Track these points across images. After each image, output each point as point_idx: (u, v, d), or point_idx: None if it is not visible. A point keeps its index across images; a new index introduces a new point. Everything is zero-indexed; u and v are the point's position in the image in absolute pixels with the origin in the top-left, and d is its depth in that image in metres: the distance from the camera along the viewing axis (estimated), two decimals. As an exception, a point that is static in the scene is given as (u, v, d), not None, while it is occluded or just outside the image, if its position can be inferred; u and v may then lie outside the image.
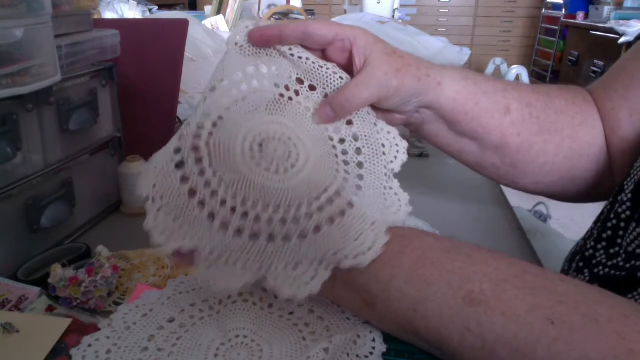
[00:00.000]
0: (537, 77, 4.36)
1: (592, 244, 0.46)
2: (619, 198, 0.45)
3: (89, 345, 0.39)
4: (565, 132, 0.51)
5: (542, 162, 0.52)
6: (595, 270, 0.44)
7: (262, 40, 0.44)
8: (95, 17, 0.66)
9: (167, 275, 0.52)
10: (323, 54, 0.46)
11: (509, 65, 3.70)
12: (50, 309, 0.45)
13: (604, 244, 0.45)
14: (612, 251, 0.44)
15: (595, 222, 0.48)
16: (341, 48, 0.45)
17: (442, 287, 0.35)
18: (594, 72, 3.32)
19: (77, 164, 0.60)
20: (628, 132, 0.49)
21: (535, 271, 0.34)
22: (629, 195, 0.44)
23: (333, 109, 0.43)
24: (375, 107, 0.46)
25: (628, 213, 0.43)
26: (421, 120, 0.50)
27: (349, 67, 0.45)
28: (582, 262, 0.46)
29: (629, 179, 0.45)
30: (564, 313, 0.31)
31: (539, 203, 1.48)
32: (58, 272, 0.46)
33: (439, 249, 0.37)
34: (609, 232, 0.44)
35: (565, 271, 0.49)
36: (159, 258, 0.54)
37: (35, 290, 0.46)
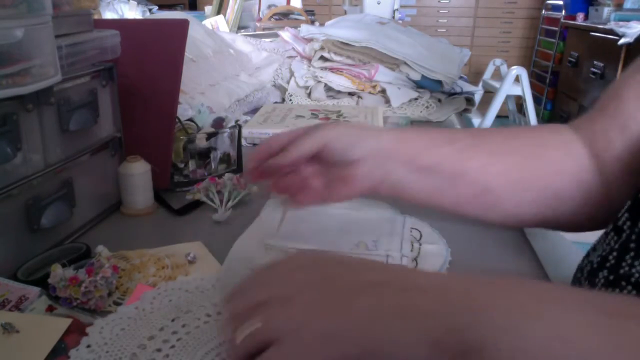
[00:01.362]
0: (537, 78, 4.36)
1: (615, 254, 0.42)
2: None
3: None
4: (525, 154, 0.51)
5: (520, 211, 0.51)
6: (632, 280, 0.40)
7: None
8: (95, 17, 0.66)
9: (167, 275, 0.52)
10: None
11: (509, 66, 3.70)
12: (50, 309, 0.45)
13: (632, 254, 0.40)
14: None
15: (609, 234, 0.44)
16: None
17: (582, 318, 0.28)
18: (594, 73, 3.32)
19: (77, 164, 0.60)
20: (622, 150, 0.47)
21: None
22: None
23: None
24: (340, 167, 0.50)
25: None
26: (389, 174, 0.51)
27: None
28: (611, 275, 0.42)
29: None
30: None
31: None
32: (58, 272, 0.46)
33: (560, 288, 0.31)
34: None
35: (578, 279, 0.46)
36: (159, 258, 0.54)
37: (35, 290, 0.46)
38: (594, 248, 0.47)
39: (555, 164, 0.50)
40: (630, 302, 0.30)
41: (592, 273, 0.44)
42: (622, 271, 0.40)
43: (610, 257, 0.42)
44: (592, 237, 0.48)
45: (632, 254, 0.40)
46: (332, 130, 0.49)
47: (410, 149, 0.50)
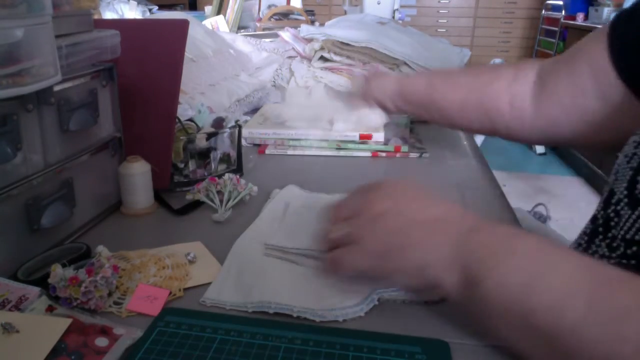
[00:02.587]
0: (537, 78, 4.36)
1: (586, 238, 0.50)
2: (612, 200, 0.48)
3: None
4: (482, 81, 0.76)
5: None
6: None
7: None
8: (95, 17, 0.66)
9: (168, 275, 0.52)
10: None
11: (509, 66, 3.70)
12: (50, 309, 0.45)
13: (601, 237, 0.48)
14: (613, 244, 0.46)
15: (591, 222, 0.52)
16: None
17: (568, 266, 0.37)
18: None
19: (77, 164, 0.60)
20: (567, 99, 0.65)
21: None
22: (625, 193, 0.46)
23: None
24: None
25: (621, 205, 0.46)
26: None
27: None
28: None
29: (615, 182, 0.49)
30: None
31: (538, 204, 1.48)
32: (58, 272, 0.46)
33: (557, 246, 0.40)
34: (602, 227, 0.48)
35: None
36: (159, 258, 0.54)
37: (35, 290, 0.46)
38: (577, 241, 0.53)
39: (495, 93, 0.73)
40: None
41: None
42: (590, 252, 0.49)
43: (582, 242, 0.50)
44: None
45: (600, 237, 0.48)
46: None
47: (405, 88, 0.83)
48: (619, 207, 0.47)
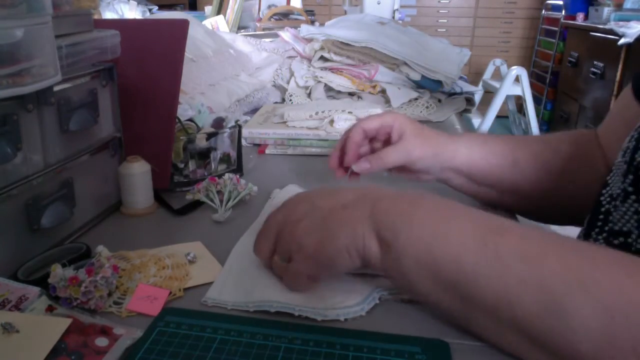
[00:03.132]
0: (537, 78, 4.36)
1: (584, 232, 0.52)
2: (604, 192, 0.50)
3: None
4: (570, 176, 0.62)
5: (551, 203, 0.64)
6: None
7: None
8: (95, 17, 0.66)
9: (168, 275, 0.52)
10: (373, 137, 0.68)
11: (509, 66, 3.70)
12: (50, 309, 0.45)
13: (597, 230, 0.50)
14: (611, 239, 0.48)
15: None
16: (385, 131, 0.66)
17: (465, 219, 0.42)
18: (594, 73, 3.32)
19: (77, 164, 0.60)
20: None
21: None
22: (621, 187, 0.48)
23: (369, 162, 0.63)
24: (410, 169, 0.65)
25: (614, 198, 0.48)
26: (447, 177, 0.67)
27: (389, 143, 0.65)
28: None
29: (611, 176, 0.50)
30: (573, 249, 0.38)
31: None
32: (58, 272, 0.46)
33: (457, 204, 0.44)
34: (600, 222, 0.50)
35: None
36: (159, 258, 0.54)
37: (35, 290, 0.46)
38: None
39: (584, 179, 0.62)
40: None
41: None
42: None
43: (580, 236, 0.53)
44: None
45: (597, 229, 0.50)
46: (415, 147, 0.64)
47: (455, 157, 0.65)
48: (617, 202, 0.48)
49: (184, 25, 0.71)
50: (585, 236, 0.52)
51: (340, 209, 0.46)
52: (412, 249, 0.41)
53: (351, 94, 1.23)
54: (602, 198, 0.51)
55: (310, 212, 0.47)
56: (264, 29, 1.88)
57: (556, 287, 0.35)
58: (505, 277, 0.37)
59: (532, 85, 3.63)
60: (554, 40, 4.12)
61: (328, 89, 1.23)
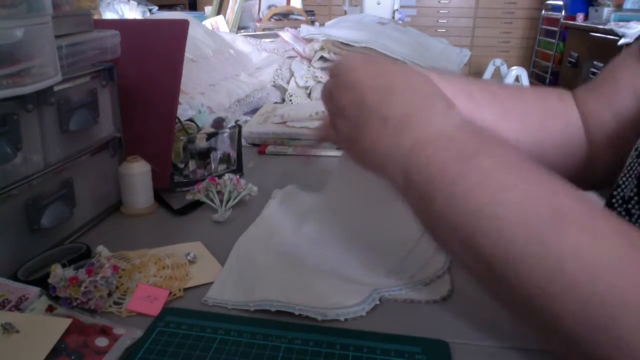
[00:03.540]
0: (537, 78, 4.36)
1: None
2: (615, 193, 0.46)
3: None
4: (533, 119, 0.56)
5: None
6: None
7: None
8: (95, 17, 0.66)
9: (168, 275, 0.52)
10: None
11: (509, 67, 3.70)
12: (50, 309, 0.45)
13: None
14: None
15: None
16: None
17: (519, 194, 0.34)
18: (594, 73, 3.32)
19: (77, 164, 0.60)
20: (612, 130, 0.53)
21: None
22: (635, 190, 0.44)
23: None
24: None
25: (632, 203, 0.44)
26: None
27: None
28: None
29: (622, 176, 0.46)
30: None
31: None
32: (58, 272, 0.46)
33: (520, 158, 0.37)
34: None
35: None
36: (159, 258, 0.54)
37: (35, 290, 0.46)
38: None
39: (554, 132, 0.56)
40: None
41: None
42: None
43: None
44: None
45: None
46: None
47: None
48: (630, 206, 0.44)
49: (184, 25, 0.71)
50: None
51: (389, 120, 0.40)
52: (450, 216, 0.36)
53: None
54: (613, 200, 0.46)
55: (350, 106, 0.43)
56: (264, 29, 1.88)
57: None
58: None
59: (532, 85, 3.62)
60: (554, 41, 4.13)
61: (328, 89, 1.23)
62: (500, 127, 0.54)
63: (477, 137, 0.39)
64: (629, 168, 0.46)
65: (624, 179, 0.46)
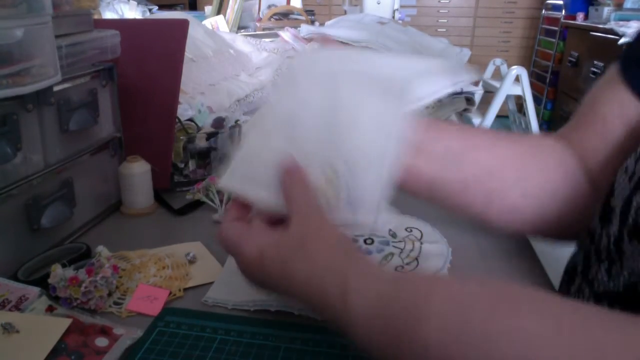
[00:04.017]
0: (537, 78, 4.36)
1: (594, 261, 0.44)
2: (611, 217, 0.43)
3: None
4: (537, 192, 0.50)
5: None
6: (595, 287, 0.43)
7: None
8: (95, 17, 0.66)
9: (168, 275, 0.52)
10: None
11: (509, 66, 3.69)
12: (50, 309, 0.45)
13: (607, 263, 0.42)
14: (612, 271, 0.41)
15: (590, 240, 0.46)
16: None
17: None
18: (594, 73, 3.31)
19: (77, 164, 0.60)
20: (610, 164, 0.49)
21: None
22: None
23: None
24: None
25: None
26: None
27: None
28: (584, 283, 0.44)
29: (613, 199, 0.43)
30: None
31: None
32: (58, 272, 0.46)
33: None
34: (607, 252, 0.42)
35: (566, 282, 0.49)
36: (159, 258, 0.54)
37: (35, 290, 0.46)
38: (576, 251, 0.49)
39: (552, 167, 0.51)
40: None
41: (568, 275, 0.48)
42: (590, 276, 0.43)
43: (580, 263, 0.45)
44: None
45: (595, 258, 0.43)
46: None
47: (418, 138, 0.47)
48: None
49: (184, 25, 0.71)
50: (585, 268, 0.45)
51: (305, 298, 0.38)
52: None
53: (351, 94, 1.23)
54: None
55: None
56: (264, 29, 1.88)
57: None
58: None
59: (532, 85, 3.62)
60: (554, 40, 4.12)
61: (328, 88, 1.23)
62: (494, 153, 0.51)
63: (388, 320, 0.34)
64: (619, 190, 0.43)
65: (615, 202, 0.43)
